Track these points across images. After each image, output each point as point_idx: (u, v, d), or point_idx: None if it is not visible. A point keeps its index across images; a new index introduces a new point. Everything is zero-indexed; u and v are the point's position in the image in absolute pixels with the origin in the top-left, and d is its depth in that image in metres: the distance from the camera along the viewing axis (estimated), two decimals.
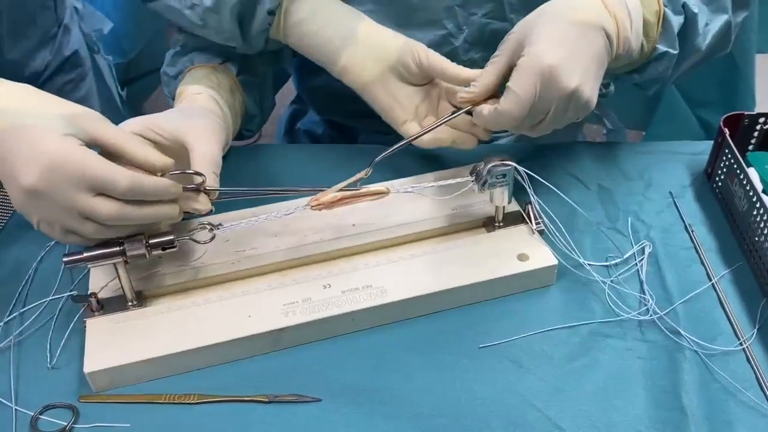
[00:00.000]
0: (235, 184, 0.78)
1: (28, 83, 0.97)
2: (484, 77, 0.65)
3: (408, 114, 0.71)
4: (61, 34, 1.01)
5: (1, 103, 0.54)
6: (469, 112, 0.68)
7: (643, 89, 0.78)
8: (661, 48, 0.70)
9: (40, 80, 0.99)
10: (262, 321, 0.61)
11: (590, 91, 0.62)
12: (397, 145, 0.67)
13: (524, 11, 0.77)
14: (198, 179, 0.60)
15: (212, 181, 0.60)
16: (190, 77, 0.75)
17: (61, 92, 1.03)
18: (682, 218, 0.75)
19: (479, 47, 0.79)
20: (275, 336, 0.61)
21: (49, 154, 0.53)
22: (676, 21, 0.70)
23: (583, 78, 0.61)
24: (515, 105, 0.61)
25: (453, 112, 0.68)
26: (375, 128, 0.91)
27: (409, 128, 0.71)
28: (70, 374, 0.60)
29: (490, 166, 0.64)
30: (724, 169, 0.75)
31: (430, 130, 0.70)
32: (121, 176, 0.54)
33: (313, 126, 0.98)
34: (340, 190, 0.64)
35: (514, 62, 0.62)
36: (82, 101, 1.06)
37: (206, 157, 0.61)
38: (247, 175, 0.81)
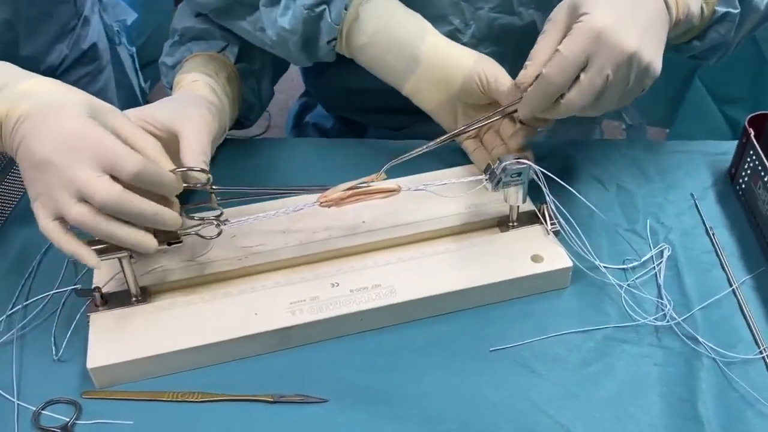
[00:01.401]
0: (243, 178, 0.80)
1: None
2: (538, 54, 0.63)
3: (469, 131, 0.73)
4: (79, 26, 1.02)
5: (39, 89, 0.58)
6: (512, 118, 0.69)
7: (704, 59, 0.77)
8: (721, 9, 0.69)
9: (56, 74, 0.99)
10: (268, 319, 0.62)
11: (651, 54, 0.60)
12: (415, 151, 0.67)
13: (533, 3, 0.77)
14: (203, 177, 0.61)
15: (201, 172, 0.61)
16: (188, 66, 0.76)
17: (77, 85, 1.02)
18: (703, 221, 0.75)
19: (488, 42, 0.79)
20: (282, 335, 0.62)
21: (69, 128, 0.55)
22: None
23: (642, 40, 0.59)
24: (559, 68, 0.60)
25: (491, 115, 0.69)
26: (384, 124, 0.92)
27: (468, 145, 0.75)
28: (74, 369, 0.61)
29: (504, 164, 0.64)
30: (749, 171, 0.75)
31: (458, 134, 0.70)
32: (133, 157, 0.56)
33: (322, 120, 0.99)
34: (350, 188, 0.65)
35: (568, 27, 0.61)
36: (99, 94, 1.06)
37: (195, 147, 0.62)
38: (256, 170, 0.81)
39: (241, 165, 0.82)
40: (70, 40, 1.00)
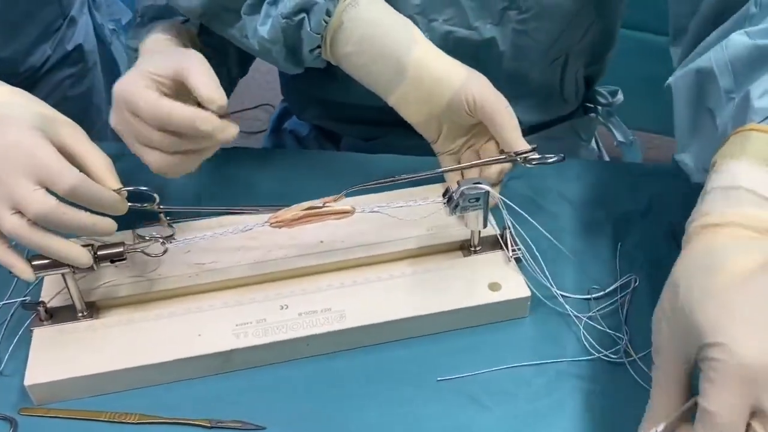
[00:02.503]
0: (214, 188, 0.80)
1: (23, 79, 0.99)
2: (657, 406, 0.47)
3: (450, 147, 0.72)
4: (65, 27, 1.02)
5: None
6: (496, 144, 0.69)
7: None
8: None
9: (37, 75, 1.00)
10: (211, 342, 0.62)
11: None
12: (382, 180, 0.66)
13: (490, 18, 0.76)
14: (153, 197, 0.62)
15: (220, 98, 0.60)
16: (151, 33, 0.74)
17: (60, 87, 1.04)
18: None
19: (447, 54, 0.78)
20: (224, 358, 0.62)
21: (10, 139, 0.57)
22: None
23: None
24: None
25: (488, 160, 0.68)
26: (358, 134, 0.92)
27: (444, 161, 0.73)
28: (15, 384, 0.62)
29: (462, 188, 0.64)
30: None
31: (443, 172, 0.70)
32: (69, 173, 0.56)
33: (299, 127, 0.99)
34: (306, 209, 0.65)
35: (689, 362, 0.45)
36: (84, 97, 1.08)
37: (207, 76, 0.61)
38: (228, 181, 0.81)
39: (213, 176, 0.82)
40: (54, 41, 1.01)
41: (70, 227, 0.57)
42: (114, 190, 0.59)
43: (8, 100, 0.61)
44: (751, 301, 0.43)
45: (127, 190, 0.60)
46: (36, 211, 0.55)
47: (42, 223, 0.57)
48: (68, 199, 0.57)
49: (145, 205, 0.62)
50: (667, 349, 0.46)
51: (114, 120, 0.65)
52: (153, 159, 0.64)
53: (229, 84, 0.83)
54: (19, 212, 0.56)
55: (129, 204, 0.61)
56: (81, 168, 0.58)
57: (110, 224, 0.59)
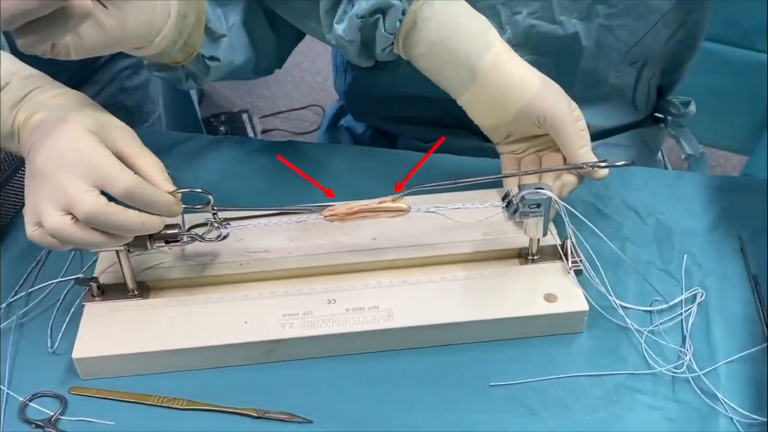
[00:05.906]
0: (272, 180, 0.83)
1: (80, 69, 1.02)
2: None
3: (514, 148, 0.73)
4: None
5: (55, 100, 0.63)
6: (581, 168, 0.68)
7: None
8: None
9: (95, 65, 1.04)
10: (257, 329, 0.64)
11: None
12: (444, 182, 0.67)
13: (576, 13, 0.76)
14: (208, 199, 0.64)
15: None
16: None
17: (118, 78, 1.08)
18: (747, 267, 0.73)
19: (526, 50, 0.78)
20: (269, 347, 0.64)
21: (66, 141, 0.59)
22: None
23: None
24: None
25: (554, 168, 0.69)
26: (414, 135, 0.93)
27: (505, 159, 0.73)
28: (67, 361, 0.64)
29: (523, 193, 0.64)
30: None
31: (503, 177, 0.71)
32: (124, 175, 0.58)
33: (355, 125, 1.01)
34: (360, 207, 0.66)
35: None
36: (140, 89, 1.11)
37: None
38: (282, 175, 0.84)
39: (271, 168, 0.84)
40: None
41: (119, 227, 0.59)
42: (169, 193, 0.61)
43: (67, 103, 0.63)
44: None
45: (182, 192, 0.62)
46: (87, 210, 0.57)
47: (91, 224, 0.58)
48: (124, 201, 0.59)
49: (199, 206, 0.64)
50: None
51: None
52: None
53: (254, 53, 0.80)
54: (69, 214, 0.57)
55: (183, 206, 0.62)
56: (134, 171, 0.60)
57: (159, 223, 0.61)
